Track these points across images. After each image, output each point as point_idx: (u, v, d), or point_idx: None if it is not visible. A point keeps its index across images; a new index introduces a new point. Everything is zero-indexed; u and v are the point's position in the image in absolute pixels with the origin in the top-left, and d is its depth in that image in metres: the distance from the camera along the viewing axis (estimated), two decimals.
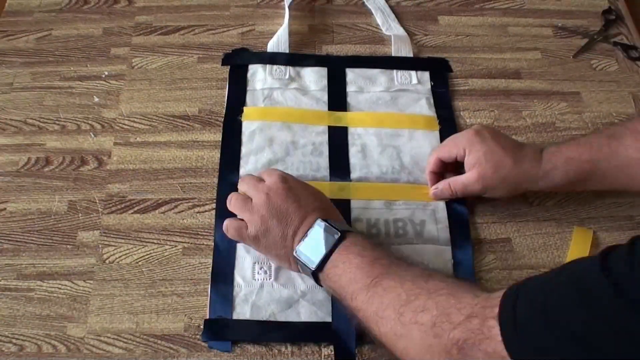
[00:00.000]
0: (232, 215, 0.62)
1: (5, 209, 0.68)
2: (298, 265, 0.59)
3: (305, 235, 0.57)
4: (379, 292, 0.52)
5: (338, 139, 0.74)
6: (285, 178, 0.61)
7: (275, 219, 0.58)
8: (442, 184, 0.67)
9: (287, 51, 0.81)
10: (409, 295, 0.50)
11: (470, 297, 0.47)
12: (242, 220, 0.60)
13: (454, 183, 0.66)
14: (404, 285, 0.51)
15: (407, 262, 0.57)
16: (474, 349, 0.44)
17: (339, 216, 0.62)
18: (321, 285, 0.59)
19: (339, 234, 0.56)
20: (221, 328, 0.60)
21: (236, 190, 0.65)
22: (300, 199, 0.59)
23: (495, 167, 0.63)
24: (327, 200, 0.62)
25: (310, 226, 0.57)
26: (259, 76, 0.79)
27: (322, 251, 0.56)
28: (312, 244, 0.57)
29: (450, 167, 0.69)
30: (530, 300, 0.43)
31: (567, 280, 0.42)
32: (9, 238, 0.66)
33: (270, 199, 0.59)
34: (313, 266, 0.56)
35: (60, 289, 0.62)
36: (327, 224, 0.57)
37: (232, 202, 0.62)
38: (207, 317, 0.61)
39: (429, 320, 0.47)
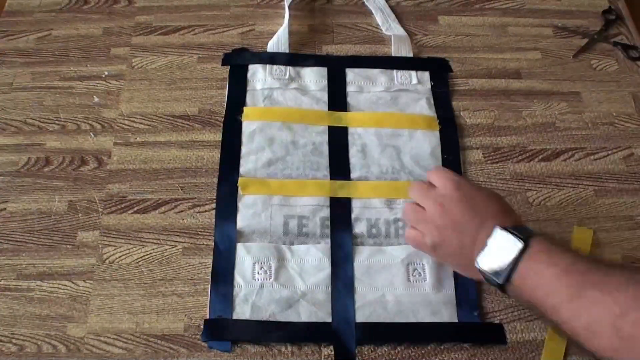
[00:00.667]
0: None
1: (5, 209, 0.68)
2: (484, 277, 0.55)
3: (484, 245, 0.54)
4: (585, 305, 0.48)
5: (338, 139, 0.74)
6: (459, 183, 0.58)
7: (451, 228, 0.56)
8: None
9: (287, 51, 0.81)
10: (621, 306, 0.46)
11: None
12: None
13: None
14: (612, 295, 0.47)
15: (603, 262, 0.52)
16: None
17: (519, 219, 0.57)
18: (510, 296, 0.55)
19: (522, 242, 0.52)
20: (221, 328, 0.60)
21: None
22: (475, 206, 0.56)
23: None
24: (505, 202, 0.58)
25: (489, 235, 0.54)
26: (259, 76, 0.79)
27: (506, 262, 0.52)
28: (494, 255, 0.53)
29: None
30: None
31: None
32: (9, 238, 0.66)
33: (443, 207, 0.57)
34: (500, 280, 0.52)
35: (60, 289, 0.62)
36: (507, 232, 0.53)
37: (407, 212, 0.60)
38: (207, 317, 0.61)
39: None
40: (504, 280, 0.52)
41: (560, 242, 0.56)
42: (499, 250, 0.53)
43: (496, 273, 0.53)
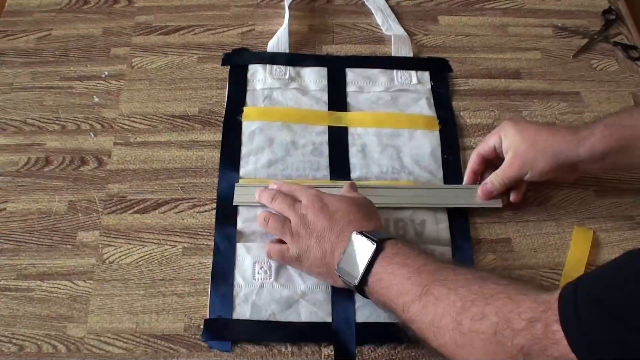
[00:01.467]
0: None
1: (5, 209, 0.68)
2: (343, 281, 0.58)
3: (344, 250, 0.57)
4: (432, 301, 0.50)
5: (338, 139, 0.74)
6: (320, 196, 0.61)
7: (314, 238, 0.58)
8: (489, 178, 0.67)
9: (287, 51, 0.81)
10: (465, 302, 0.48)
11: (529, 301, 0.45)
12: (283, 242, 0.61)
13: (497, 173, 0.66)
14: (457, 291, 0.49)
15: (454, 264, 0.55)
16: (541, 355, 0.43)
17: (379, 222, 0.61)
18: (369, 299, 0.58)
19: (375, 244, 0.55)
20: (221, 328, 0.60)
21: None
22: (334, 215, 0.59)
23: (531, 141, 0.63)
24: (366, 209, 0.61)
25: (347, 241, 0.57)
26: (259, 76, 0.79)
27: (361, 265, 0.55)
28: (351, 258, 0.56)
29: (490, 166, 0.69)
30: (591, 298, 0.41)
31: (629, 274, 0.41)
32: (9, 238, 0.66)
33: (306, 219, 0.59)
34: (355, 281, 0.55)
35: (60, 289, 0.62)
36: (362, 236, 0.56)
37: (270, 224, 0.62)
38: (207, 317, 0.61)
39: (489, 327, 0.46)
40: (359, 281, 0.55)
41: (416, 246, 0.59)
42: (355, 253, 0.56)
43: (352, 276, 0.55)
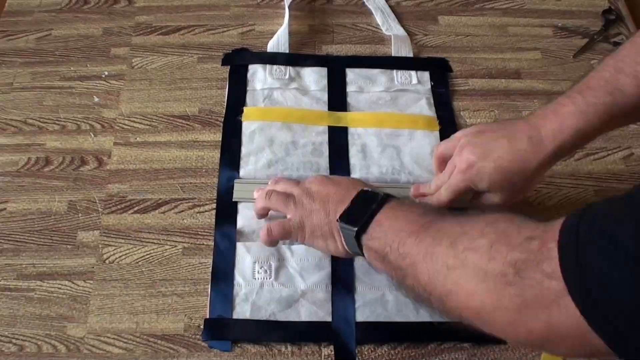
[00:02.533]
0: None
1: (5, 209, 0.68)
2: (342, 234, 0.56)
3: (349, 204, 0.56)
4: (431, 232, 0.48)
5: (338, 139, 0.74)
6: (323, 175, 0.63)
7: (318, 202, 0.58)
8: (438, 183, 0.63)
9: (287, 51, 0.81)
10: (465, 227, 0.46)
11: (532, 223, 0.43)
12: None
13: (447, 183, 0.62)
14: (460, 221, 0.47)
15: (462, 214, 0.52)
16: (532, 269, 0.40)
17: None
18: (363, 255, 0.56)
19: (382, 195, 0.55)
20: (221, 328, 0.60)
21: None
22: (340, 183, 0.60)
23: (486, 148, 0.59)
24: (370, 185, 0.61)
25: (353, 197, 0.56)
26: (259, 76, 0.79)
27: (365, 212, 0.54)
28: (356, 208, 0.55)
29: None
30: (595, 225, 0.39)
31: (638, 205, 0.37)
32: (9, 238, 0.66)
33: (311, 189, 0.59)
34: (357, 225, 0.54)
35: (60, 289, 0.62)
36: (368, 191, 0.56)
37: (273, 198, 0.61)
38: (207, 317, 0.61)
39: (485, 244, 0.43)
40: (360, 226, 0.53)
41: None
42: (360, 204, 0.55)
43: (354, 222, 0.54)
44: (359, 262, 0.64)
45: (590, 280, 0.37)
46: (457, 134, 0.63)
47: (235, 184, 0.69)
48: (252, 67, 0.80)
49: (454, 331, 0.61)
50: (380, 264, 0.54)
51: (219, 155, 0.72)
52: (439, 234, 0.48)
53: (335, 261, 0.64)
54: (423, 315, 0.61)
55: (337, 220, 0.56)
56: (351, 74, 0.80)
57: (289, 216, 0.60)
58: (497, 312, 0.42)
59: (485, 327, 0.44)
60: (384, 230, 0.53)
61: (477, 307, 0.43)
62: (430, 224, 0.49)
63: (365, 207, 0.55)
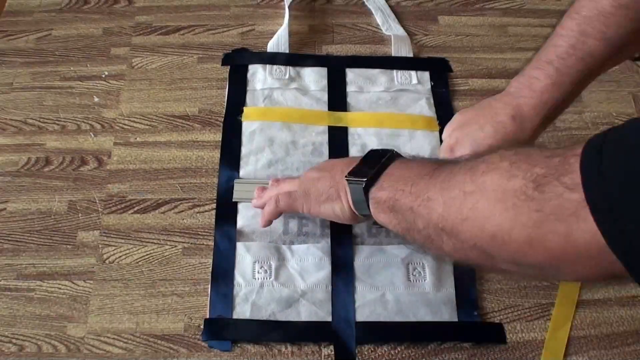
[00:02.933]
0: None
1: (5, 209, 0.68)
2: (349, 192, 0.54)
3: (357, 162, 0.54)
4: (447, 168, 0.46)
5: (338, 139, 0.74)
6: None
7: (325, 170, 0.58)
8: None
9: (287, 51, 0.81)
10: (484, 156, 0.44)
11: (554, 148, 0.41)
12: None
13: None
14: (478, 155, 0.45)
15: None
16: (552, 182, 0.38)
17: None
18: (369, 214, 0.53)
19: (393, 151, 0.53)
20: (221, 328, 0.60)
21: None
22: (346, 158, 0.60)
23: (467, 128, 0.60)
24: None
25: (362, 156, 0.55)
26: (259, 76, 0.79)
27: (375, 165, 0.52)
28: (365, 164, 0.53)
29: None
30: (621, 138, 0.37)
31: None
32: (9, 238, 0.66)
33: (317, 165, 0.61)
34: (366, 176, 0.52)
35: (60, 289, 0.62)
36: (380, 149, 0.54)
37: (282, 202, 0.61)
38: (207, 316, 0.61)
39: (506, 165, 0.41)
40: (371, 176, 0.51)
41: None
42: (370, 161, 0.53)
43: (364, 174, 0.52)
44: (359, 262, 0.64)
45: (611, 192, 0.34)
46: (445, 131, 0.64)
47: (235, 184, 0.69)
48: (252, 67, 0.80)
49: (454, 331, 0.61)
50: (387, 216, 0.51)
51: (219, 155, 0.72)
52: (455, 166, 0.45)
53: (335, 261, 0.64)
54: (423, 315, 0.61)
55: (344, 178, 0.54)
56: (351, 74, 0.80)
57: (285, 189, 0.60)
58: (514, 230, 0.40)
59: (499, 251, 0.41)
60: (395, 179, 0.50)
61: (494, 230, 0.41)
62: (446, 164, 0.47)
63: (375, 161, 0.53)
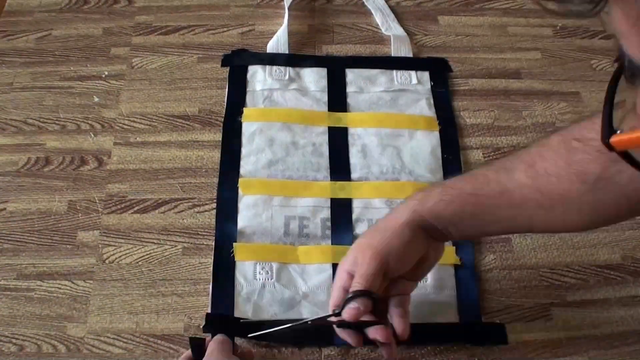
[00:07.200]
0: None
1: (5, 209, 0.68)
2: None
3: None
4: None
5: (338, 140, 0.74)
6: None
7: None
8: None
9: (287, 51, 0.81)
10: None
11: None
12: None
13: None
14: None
15: None
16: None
17: None
18: None
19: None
20: (222, 323, 0.60)
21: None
22: None
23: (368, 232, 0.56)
24: None
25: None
26: (259, 77, 0.78)
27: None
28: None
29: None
30: None
31: None
32: (9, 238, 0.66)
33: None
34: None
35: (60, 289, 0.62)
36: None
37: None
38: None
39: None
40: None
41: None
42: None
43: None
44: None
45: None
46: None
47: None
48: (251, 68, 0.79)
49: (455, 331, 0.61)
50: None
51: (219, 155, 0.72)
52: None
53: (337, 263, 0.64)
54: (423, 316, 0.61)
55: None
56: (351, 75, 0.80)
57: None
58: None
59: None
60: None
61: None
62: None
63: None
